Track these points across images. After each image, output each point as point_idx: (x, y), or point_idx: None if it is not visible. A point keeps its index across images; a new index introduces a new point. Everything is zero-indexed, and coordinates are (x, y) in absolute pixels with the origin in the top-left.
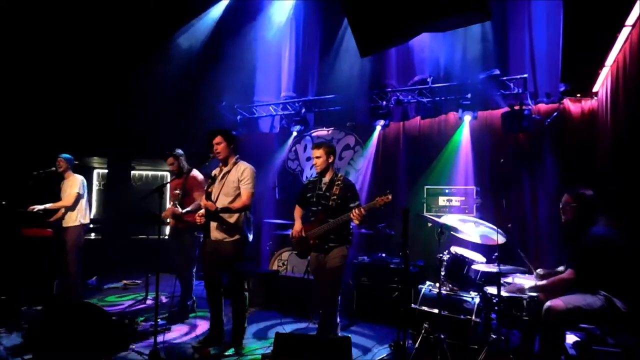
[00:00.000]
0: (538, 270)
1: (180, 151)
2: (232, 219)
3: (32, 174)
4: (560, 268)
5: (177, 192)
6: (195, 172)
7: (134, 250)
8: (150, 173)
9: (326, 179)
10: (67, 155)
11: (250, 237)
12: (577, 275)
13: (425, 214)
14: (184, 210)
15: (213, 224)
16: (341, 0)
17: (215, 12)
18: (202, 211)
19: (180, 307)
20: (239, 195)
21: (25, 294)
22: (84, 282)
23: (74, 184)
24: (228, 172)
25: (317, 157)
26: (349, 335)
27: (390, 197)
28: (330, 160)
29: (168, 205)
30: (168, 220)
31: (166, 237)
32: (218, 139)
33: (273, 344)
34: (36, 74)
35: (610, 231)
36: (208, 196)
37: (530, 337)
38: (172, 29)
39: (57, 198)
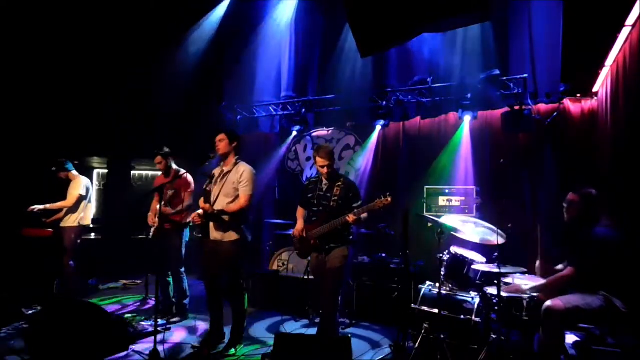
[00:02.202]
0: (537, 263)
1: (167, 150)
2: (231, 219)
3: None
4: (560, 266)
5: (171, 192)
6: (184, 172)
7: (134, 250)
8: (150, 173)
9: (327, 180)
10: (62, 161)
11: (249, 237)
12: (577, 274)
13: (425, 214)
14: (173, 211)
15: (212, 224)
16: (342, 1)
17: (217, 13)
18: (201, 211)
19: (177, 308)
20: (238, 196)
21: (25, 294)
22: (84, 282)
23: (77, 185)
24: (228, 172)
25: (322, 167)
26: (349, 335)
27: (389, 199)
28: (334, 165)
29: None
30: (153, 221)
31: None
32: (221, 136)
33: (273, 344)
34: (37, 74)
35: (613, 231)
36: (207, 196)
37: (530, 337)
38: (172, 30)
39: (62, 198)
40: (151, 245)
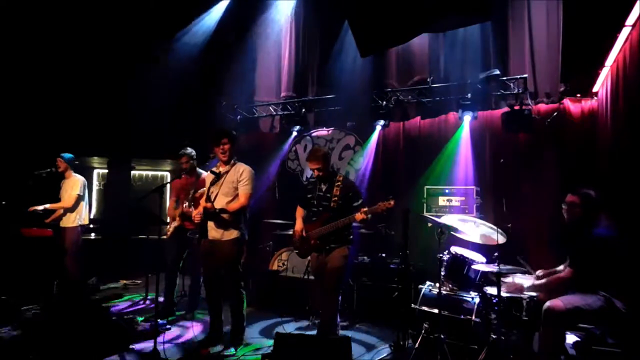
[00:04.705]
0: (538, 272)
1: (192, 150)
2: (231, 218)
3: (33, 174)
4: (560, 267)
5: (202, 190)
6: (204, 173)
7: (134, 250)
8: (150, 173)
9: (324, 181)
10: (68, 155)
11: (246, 236)
12: (576, 275)
13: (425, 214)
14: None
15: (210, 224)
16: (342, 1)
17: (216, 12)
18: (200, 209)
19: (190, 301)
20: (237, 195)
21: (25, 294)
22: (83, 282)
23: (75, 185)
24: (226, 172)
25: (317, 169)
26: (349, 335)
27: (392, 202)
28: (328, 166)
29: (173, 205)
30: (173, 220)
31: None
32: (226, 139)
33: (273, 344)
34: (37, 74)
35: (612, 232)
36: (208, 196)
37: (530, 337)
38: (172, 29)
39: (57, 198)
40: (165, 245)
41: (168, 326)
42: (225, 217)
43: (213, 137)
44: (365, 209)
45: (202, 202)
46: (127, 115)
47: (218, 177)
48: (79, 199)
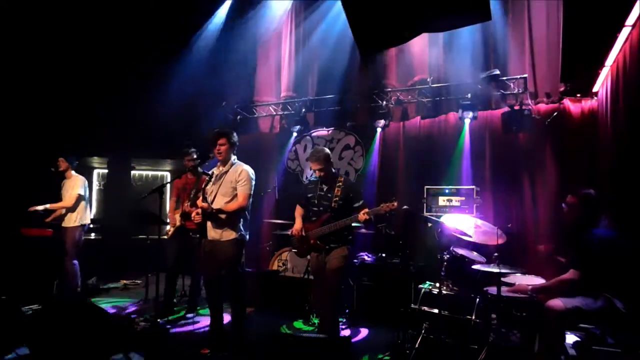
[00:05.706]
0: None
1: (194, 149)
2: (229, 218)
3: (33, 174)
4: (563, 260)
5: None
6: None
7: (134, 250)
8: (150, 173)
9: (326, 181)
10: (71, 157)
11: (247, 237)
12: (581, 277)
13: (425, 214)
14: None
15: (209, 224)
16: (342, 0)
17: (217, 13)
18: (199, 210)
19: (190, 303)
20: (236, 195)
21: (25, 294)
22: (83, 282)
23: (76, 184)
24: (226, 172)
25: (318, 170)
26: (349, 335)
27: (396, 204)
28: (330, 167)
29: (174, 206)
30: (173, 224)
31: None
32: (223, 140)
33: (273, 344)
34: (37, 74)
35: (613, 232)
36: (205, 195)
37: (530, 337)
38: (172, 29)
39: (58, 198)
40: (165, 245)
41: (168, 326)
42: (223, 217)
43: (210, 138)
44: (368, 210)
45: (199, 202)
46: (128, 115)
47: (210, 177)
48: (79, 198)
